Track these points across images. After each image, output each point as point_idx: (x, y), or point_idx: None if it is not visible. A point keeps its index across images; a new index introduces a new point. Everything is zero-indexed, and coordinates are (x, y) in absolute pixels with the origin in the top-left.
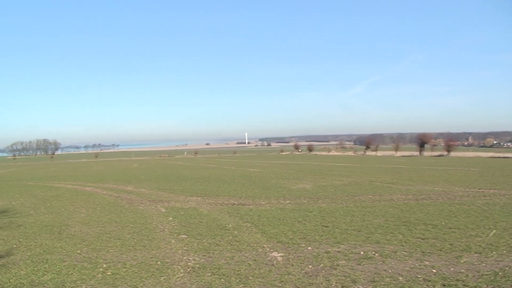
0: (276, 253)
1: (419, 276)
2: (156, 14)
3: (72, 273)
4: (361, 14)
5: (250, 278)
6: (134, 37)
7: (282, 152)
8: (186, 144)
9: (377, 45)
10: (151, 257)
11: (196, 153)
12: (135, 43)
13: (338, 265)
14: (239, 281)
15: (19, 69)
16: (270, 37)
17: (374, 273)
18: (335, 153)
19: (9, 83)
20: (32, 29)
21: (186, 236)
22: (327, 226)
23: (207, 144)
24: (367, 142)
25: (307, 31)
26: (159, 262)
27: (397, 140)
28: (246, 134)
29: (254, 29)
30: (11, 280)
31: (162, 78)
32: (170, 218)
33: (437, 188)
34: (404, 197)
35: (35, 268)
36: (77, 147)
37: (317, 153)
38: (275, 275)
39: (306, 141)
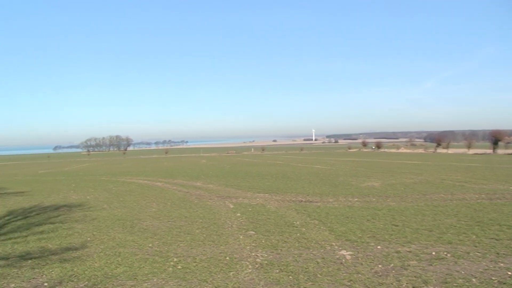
0: (345, 251)
1: (493, 278)
2: (227, 14)
3: (143, 266)
4: (430, 8)
5: (319, 276)
6: (204, 37)
7: (349, 149)
8: (253, 141)
9: (448, 40)
10: (220, 252)
11: (263, 150)
12: (205, 43)
13: (409, 265)
14: (308, 278)
15: (94, 68)
16: (337, 32)
17: (446, 274)
18: (405, 150)
19: (85, 83)
20: (105, 29)
21: (254, 233)
22: (397, 225)
23: (274, 140)
24: (438, 139)
25: (374, 26)
26: (227, 258)
27: (469, 137)
28: (313, 131)
29: (320, 25)
30: (85, 272)
31: (230, 77)
32: (238, 214)
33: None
34: (477, 196)
35: (108, 261)
36: (148, 143)
37: (386, 150)
38: (344, 274)
39: (375, 138)
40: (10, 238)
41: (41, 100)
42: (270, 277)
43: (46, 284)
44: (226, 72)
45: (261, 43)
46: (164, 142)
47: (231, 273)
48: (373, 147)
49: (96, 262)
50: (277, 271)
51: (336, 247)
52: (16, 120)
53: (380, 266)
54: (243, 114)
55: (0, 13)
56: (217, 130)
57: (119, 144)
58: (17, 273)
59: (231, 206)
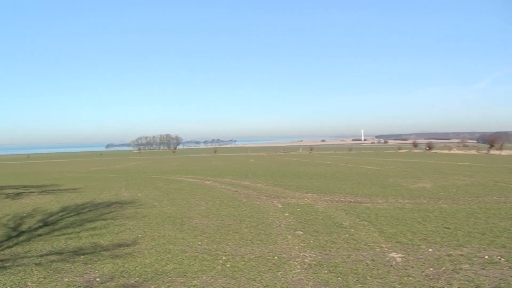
0: (395, 253)
1: None
2: (276, 13)
3: (193, 264)
4: (482, 7)
5: (368, 278)
6: (254, 37)
7: (399, 149)
8: (301, 141)
9: (501, 38)
10: (268, 252)
11: (311, 150)
12: (255, 43)
13: (461, 269)
14: (357, 280)
15: (146, 69)
16: (388, 31)
17: (500, 279)
18: (456, 152)
19: (136, 83)
20: (161, 30)
21: (302, 233)
22: (449, 228)
23: (323, 140)
24: (491, 140)
25: (427, 26)
26: (276, 257)
27: None
28: (362, 131)
29: (371, 24)
30: (136, 268)
31: (279, 76)
32: (286, 214)
33: None
34: None
35: (159, 258)
36: (197, 142)
37: (437, 151)
38: (394, 277)
39: (425, 139)
40: (63, 234)
41: (95, 99)
42: (318, 278)
43: (98, 279)
44: (275, 71)
45: (310, 43)
46: (212, 141)
47: (280, 272)
48: (427, 148)
49: (146, 259)
50: (326, 272)
51: (386, 249)
52: (71, 119)
53: (431, 269)
54: (292, 114)
55: (59, 14)
56: (265, 130)
57: (169, 143)
58: (70, 268)
59: (279, 206)
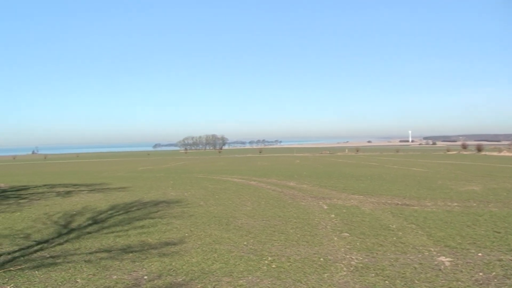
0: (444, 257)
1: None
2: (320, 13)
3: (239, 264)
4: None
5: (416, 282)
6: (298, 37)
7: (448, 151)
8: (347, 142)
9: None
10: (314, 253)
11: (357, 151)
12: (300, 44)
13: None
14: (404, 284)
15: (194, 70)
16: (437, 31)
17: None
18: (507, 154)
19: (184, 84)
20: (206, 30)
21: (348, 235)
22: (499, 232)
23: (369, 141)
24: None
25: (475, 25)
26: (322, 259)
27: None
28: (409, 132)
29: (421, 23)
30: (183, 267)
31: (324, 76)
32: (332, 215)
33: None
34: None
35: (205, 257)
36: (243, 143)
37: (487, 153)
38: (443, 281)
39: (475, 140)
40: (112, 232)
41: (143, 100)
42: (365, 281)
43: (146, 277)
44: (321, 71)
45: (358, 43)
46: (258, 141)
47: (326, 274)
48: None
49: (193, 258)
50: (373, 275)
51: (434, 252)
52: (121, 119)
53: (481, 274)
54: (338, 114)
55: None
56: (310, 130)
57: (215, 143)
58: (118, 266)
59: (325, 207)
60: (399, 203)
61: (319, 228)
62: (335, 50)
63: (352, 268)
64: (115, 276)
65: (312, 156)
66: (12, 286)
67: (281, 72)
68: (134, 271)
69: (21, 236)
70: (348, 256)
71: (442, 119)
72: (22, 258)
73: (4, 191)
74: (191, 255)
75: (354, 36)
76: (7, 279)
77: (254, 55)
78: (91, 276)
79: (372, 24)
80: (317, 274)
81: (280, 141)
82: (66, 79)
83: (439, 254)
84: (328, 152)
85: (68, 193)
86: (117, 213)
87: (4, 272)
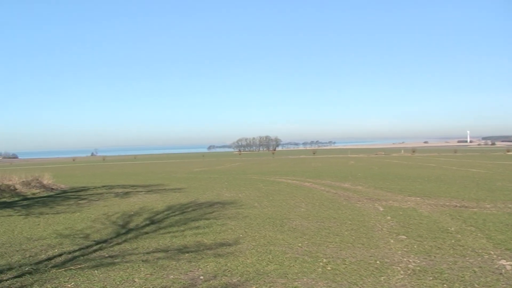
0: (505, 261)
1: None
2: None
3: (293, 265)
4: None
5: (476, 286)
6: (352, 36)
7: (508, 152)
8: (403, 142)
9: None
10: (370, 256)
11: (413, 152)
12: (351, 43)
13: None
14: None
15: (247, 72)
16: (494, 27)
17: None
18: None
19: (237, 86)
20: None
21: (405, 237)
22: None
23: (425, 142)
24: None
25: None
26: (378, 262)
27: None
28: (468, 132)
29: (475, 22)
30: (238, 268)
31: (378, 76)
32: (389, 217)
33: None
34: None
35: (260, 258)
36: (296, 144)
37: None
38: (504, 285)
39: None
40: (169, 232)
41: (199, 102)
42: (423, 285)
43: (202, 277)
44: (376, 71)
45: (411, 41)
46: (311, 142)
47: (382, 277)
48: None
49: (248, 259)
50: (431, 278)
51: (494, 256)
52: (176, 122)
53: None
54: (393, 115)
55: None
56: (365, 131)
57: (268, 144)
58: (175, 266)
59: (381, 209)
60: (458, 205)
61: (375, 230)
62: (390, 49)
63: (409, 271)
64: (172, 276)
65: (367, 157)
66: (73, 285)
67: (335, 72)
68: (190, 271)
69: (81, 236)
70: (405, 259)
71: (502, 119)
72: (82, 258)
73: (65, 192)
74: (245, 256)
75: (410, 34)
76: (68, 278)
77: (308, 56)
78: (149, 275)
79: (428, 22)
80: (373, 277)
81: (334, 142)
82: (125, 83)
83: (499, 258)
84: (383, 153)
85: (126, 194)
86: (173, 214)
87: (65, 271)
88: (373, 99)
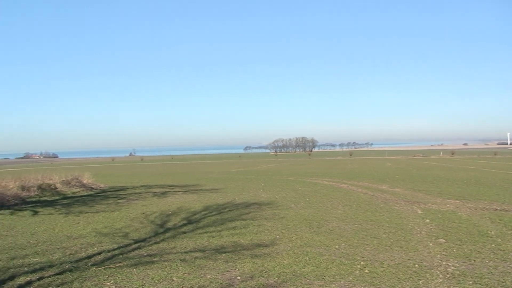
0: None
1: None
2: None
3: (330, 267)
4: None
5: None
6: (392, 37)
7: None
8: (441, 144)
9: None
10: (408, 259)
11: (452, 154)
12: (394, 43)
13: None
14: None
15: (283, 73)
16: None
17: None
18: None
19: (274, 87)
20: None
21: (444, 240)
22: None
23: (465, 144)
24: None
25: None
26: (416, 265)
27: None
28: (508, 134)
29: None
30: (275, 269)
31: (415, 77)
32: (427, 221)
33: None
34: None
35: (296, 259)
36: (333, 145)
37: None
38: None
39: None
40: (206, 232)
41: (235, 103)
42: None
43: (239, 277)
44: (414, 71)
45: (451, 42)
46: (348, 144)
47: (421, 281)
48: None
49: (285, 260)
50: (471, 283)
51: None
52: (213, 122)
53: None
54: (431, 116)
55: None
56: (403, 133)
57: (305, 145)
58: (212, 265)
59: (419, 212)
60: (498, 208)
61: (413, 233)
62: (430, 49)
63: (448, 275)
64: (209, 276)
65: (405, 159)
66: (112, 283)
67: (372, 72)
68: (227, 271)
69: (120, 234)
70: (444, 263)
71: None
72: (121, 256)
73: (104, 191)
74: (282, 257)
75: (452, 34)
76: (107, 276)
77: (343, 56)
78: (186, 275)
79: (467, 22)
80: (412, 281)
81: (371, 144)
82: (164, 84)
83: None
84: (421, 155)
85: (163, 193)
86: (210, 214)
87: (104, 269)
88: (412, 100)
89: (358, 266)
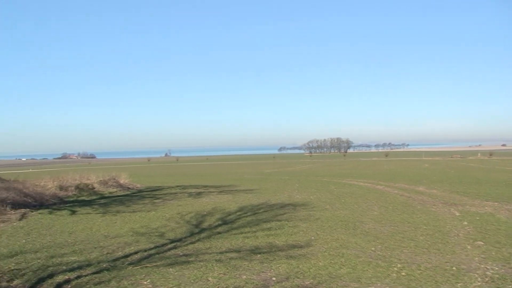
0: None
1: None
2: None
3: (367, 270)
4: None
5: None
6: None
7: None
8: (479, 145)
9: None
10: (446, 262)
11: (490, 155)
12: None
13: None
14: None
15: (318, 74)
16: None
17: None
18: None
19: (309, 87)
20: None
21: (483, 243)
22: None
23: (503, 145)
24: None
25: None
26: (454, 268)
27: None
28: None
29: None
30: (310, 270)
31: (452, 76)
32: (465, 223)
33: None
34: None
35: (332, 261)
36: (368, 146)
37: None
38: None
39: None
40: (241, 233)
41: (270, 103)
42: None
43: (274, 278)
44: (451, 71)
45: (489, 41)
46: (384, 144)
47: (459, 284)
48: None
49: (320, 261)
50: (510, 286)
51: None
52: (247, 123)
53: None
54: (469, 116)
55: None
56: (440, 133)
57: (340, 146)
58: (247, 266)
59: (457, 214)
60: None
61: (450, 235)
62: (467, 48)
63: (487, 279)
64: (244, 276)
65: (442, 160)
66: (149, 282)
67: (409, 73)
68: (262, 272)
69: (156, 234)
70: (482, 266)
71: None
72: (157, 256)
73: (140, 191)
74: (318, 259)
75: (489, 33)
76: (143, 275)
77: (379, 58)
78: (222, 275)
79: (504, 21)
80: (450, 284)
81: (407, 145)
82: (197, 84)
83: None
84: (459, 156)
85: (199, 194)
86: (245, 215)
87: (141, 268)
88: (449, 100)
89: (395, 269)
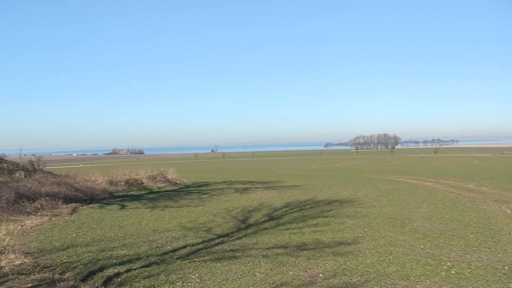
0: None
1: None
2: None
3: (415, 268)
4: None
5: None
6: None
7: None
8: None
9: None
10: (497, 261)
11: None
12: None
13: None
14: None
15: (364, 70)
16: None
17: None
18: None
19: (353, 84)
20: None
21: None
22: None
23: None
24: None
25: None
26: (506, 267)
27: None
28: None
29: None
30: (358, 267)
31: (503, 69)
32: None
33: None
34: None
35: (380, 259)
36: (416, 142)
37: None
38: None
39: None
40: (287, 229)
41: (315, 100)
42: None
43: (321, 275)
44: (502, 65)
45: None
46: (432, 141)
47: (511, 284)
48: None
49: (368, 259)
50: None
51: None
52: (293, 119)
53: None
54: None
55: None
56: (490, 129)
57: (387, 142)
58: (294, 262)
59: (509, 212)
60: None
61: (502, 234)
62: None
63: None
64: (291, 272)
65: (493, 157)
66: (197, 276)
67: (457, 68)
68: (309, 268)
69: (204, 229)
70: None
71: None
72: (204, 250)
73: (188, 186)
74: (365, 256)
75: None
76: (192, 270)
77: (429, 53)
78: (269, 270)
79: None
80: (501, 283)
81: (457, 141)
82: (245, 83)
83: None
84: (510, 152)
85: (245, 189)
86: (292, 211)
87: (189, 262)
88: (499, 95)
89: (444, 267)
